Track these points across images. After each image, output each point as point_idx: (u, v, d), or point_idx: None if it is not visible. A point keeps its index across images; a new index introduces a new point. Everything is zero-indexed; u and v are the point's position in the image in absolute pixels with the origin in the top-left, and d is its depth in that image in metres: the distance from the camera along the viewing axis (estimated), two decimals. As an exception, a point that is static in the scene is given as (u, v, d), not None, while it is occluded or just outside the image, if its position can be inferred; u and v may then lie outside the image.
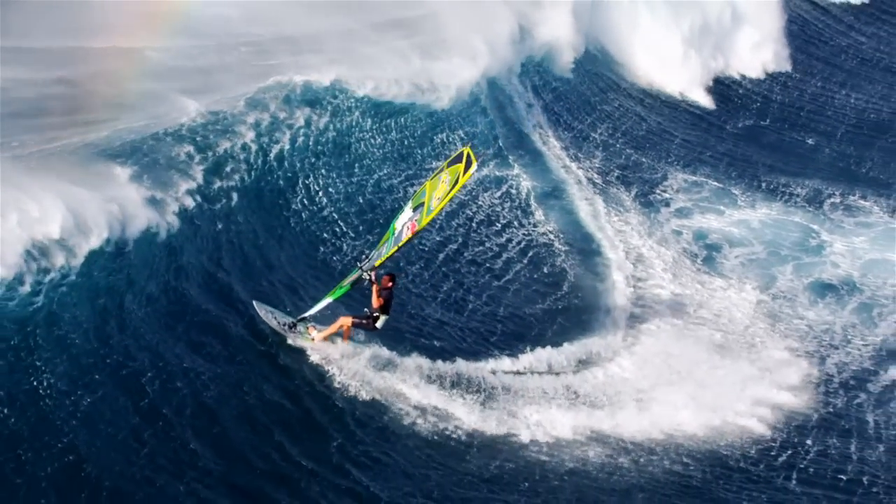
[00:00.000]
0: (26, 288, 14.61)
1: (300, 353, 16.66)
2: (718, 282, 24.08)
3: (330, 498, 14.61)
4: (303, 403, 15.97)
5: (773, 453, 17.97)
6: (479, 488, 15.68)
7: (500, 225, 23.63)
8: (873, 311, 23.73)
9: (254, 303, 16.88)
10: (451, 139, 25.25)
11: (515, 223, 23.94)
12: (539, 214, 24.60)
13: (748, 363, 20.78)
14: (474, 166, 16.32)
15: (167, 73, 21.31)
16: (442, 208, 16.60)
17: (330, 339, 16.80)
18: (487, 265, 22.14)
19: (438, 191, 16.58)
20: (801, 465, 17.78)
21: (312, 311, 16.81)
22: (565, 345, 19.99)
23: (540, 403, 17.87)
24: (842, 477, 17.65)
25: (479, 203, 23.96)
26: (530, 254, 23.11)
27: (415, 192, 18.52)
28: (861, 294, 24.45)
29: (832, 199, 29.05)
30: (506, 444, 16.64)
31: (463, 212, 23.28)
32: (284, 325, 16.67)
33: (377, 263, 16.60)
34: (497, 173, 25.27)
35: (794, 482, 17.29)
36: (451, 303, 20.55)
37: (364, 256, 17.37)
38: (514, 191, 24.97)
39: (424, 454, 16.00)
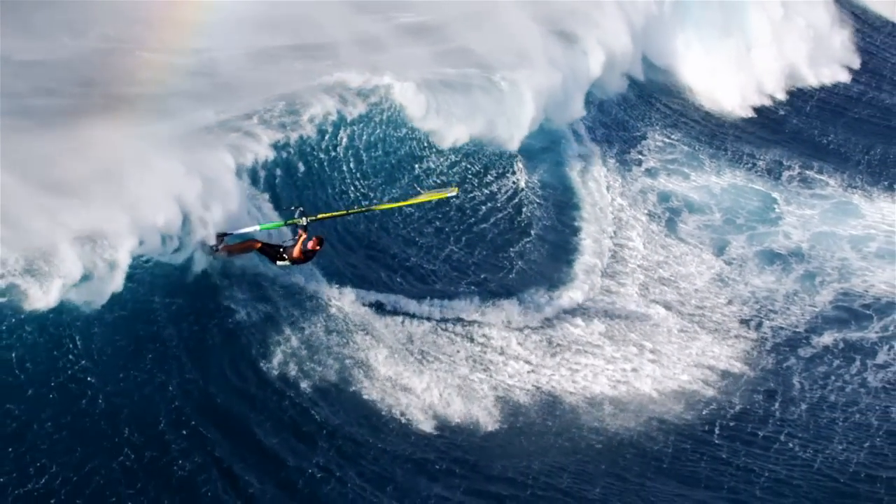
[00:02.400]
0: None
1: (292, 289, 17.54)
2: (678, 244, 25.13)
3: (290, 414, 15.85)
4: (284, 332, 16.92)
5: (699, 407, 19.05)
6: (426, 425, 16.88)
7: (492, 176, 24.36)
8: (816, 280, 24.68)
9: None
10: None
11: (508, 173, 24.70)
12: (531, 169, 25.35)
13: (694, 324, 21.87)
14: (451, 195, 17.37)
15: (190, 77, 21.12)
16: (399, 206, 17.45)
17: (233, 254, 16.79)
18: (470, 212, 22.96)
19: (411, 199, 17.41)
20: (724, 421, 18.79)
21: (236, 232, 16.53)
22: (531, 299, 21.01)
23: (498, 357, 19.04)
24: (758, 433, 18.66)
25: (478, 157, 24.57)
26: (514, 201, 23.93)
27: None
28: (808, 264, 25.39)
29: (790, 171, 29.89)
30: (459, 396, 17.69)
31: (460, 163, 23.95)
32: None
33: (319, 216, 16.64)
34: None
35: (715, 435, 18.35)
36: (429, 247, 21.42)
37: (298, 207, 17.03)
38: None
39: (382, 388, 17.15)
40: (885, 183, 30.60)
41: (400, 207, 18.27)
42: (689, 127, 31.35)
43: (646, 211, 25.97)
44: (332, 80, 21.59)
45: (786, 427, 19.05)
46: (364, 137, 21.75)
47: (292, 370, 16.53)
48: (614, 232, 24.71)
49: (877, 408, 20.16)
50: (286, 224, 16.66)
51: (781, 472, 17.79)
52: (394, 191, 21.50)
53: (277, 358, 16.51)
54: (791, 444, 18.60)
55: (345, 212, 17.36)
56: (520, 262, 22.44)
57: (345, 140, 21.26)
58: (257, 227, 16.59)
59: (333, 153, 21.04)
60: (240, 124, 19.05)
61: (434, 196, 17.09)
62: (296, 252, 16.29)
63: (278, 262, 16.59)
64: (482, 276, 21.46)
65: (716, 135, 31.28)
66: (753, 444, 18.33)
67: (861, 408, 20.14)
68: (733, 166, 29.60)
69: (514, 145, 24.82)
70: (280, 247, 16.51)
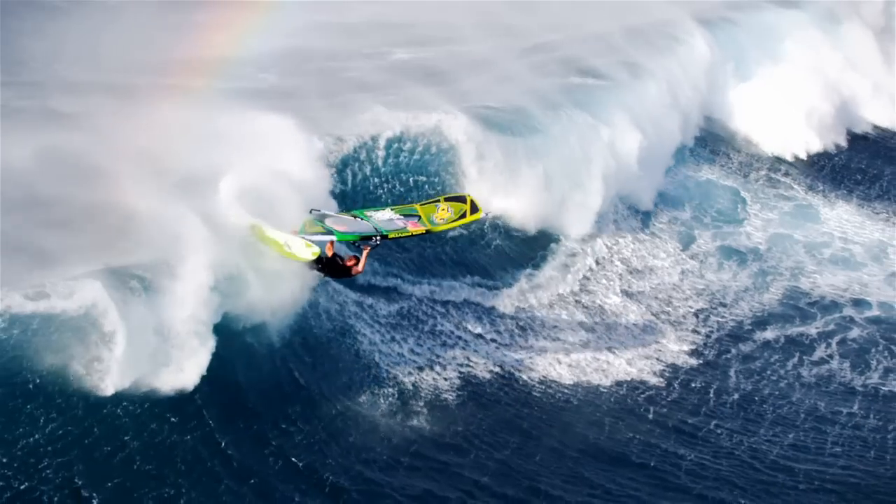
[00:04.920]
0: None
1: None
2: (651, 238, 25.96)
3: (277, 370, 17.14)
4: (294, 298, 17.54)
5: (638, 393, 19.97)
6: (391, 390, 18.22)
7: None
8: (767, 278, 25.50)
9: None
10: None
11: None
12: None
13: (652, 315, 22.79)
14: (480, 214, 17.09)
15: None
16: (446, 229, 17.17)
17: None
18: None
19: (439, 213, 16.89)
20: (658, 407, 19.68)
21: (311, 237, 15.86)
22: (508, 282, 22.22)
23: (469, 335, 20.26)
24: (689, 420, 19.53)
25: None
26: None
27: (397, 203, 18.96)
28: (763, 263, 26.19)
29: (760, 171, 30.61)
30: (427, 368, 19.00)
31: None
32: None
33: (391, 235, 16.28)
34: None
35: (648, 421, 19.24)
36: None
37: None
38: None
39: (361, 351, 18.57)
40: (845, 190, 31.32)
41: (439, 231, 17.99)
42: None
43: (627, 204, 26.67)
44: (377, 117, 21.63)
45: (716, 416, 19.86)
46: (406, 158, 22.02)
47: (292, 333, 17.59)
48: (598, 223, 25.23)
49: (806, 402, 20.85)
50: (360, 239, 16.19)
51: (706, 457, 18.59)
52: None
53: (283, 321, 17.29)
54: (719, 432, 19.40)
55: (409, 233, 16.62)
56: (502, 246, 23.28)
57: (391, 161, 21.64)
58: (334, 238, 16.05)
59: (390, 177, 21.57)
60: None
61: (468, 216, 17.03)
62: (359, 267, 16.05)
63: (312, 260, 15.87)
64: (464, 259, 22.39)
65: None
66: (682, 431, 19.17)
67: (791, 401, 20.85)
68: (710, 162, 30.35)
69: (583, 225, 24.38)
70: (327, 255, 16.11)
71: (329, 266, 15.90)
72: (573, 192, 23.76)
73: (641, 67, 28.83)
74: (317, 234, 15.88)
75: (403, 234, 16.58)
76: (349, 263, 16.03)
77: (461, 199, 17.34)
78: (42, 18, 23.43)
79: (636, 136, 25.68)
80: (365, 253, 15.92)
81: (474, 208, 17.08)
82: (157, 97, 19.67)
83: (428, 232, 16.79)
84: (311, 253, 15.41)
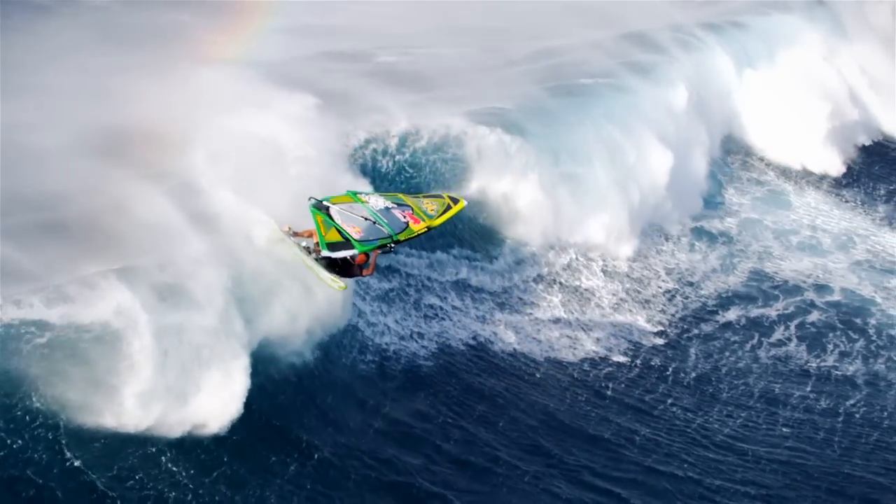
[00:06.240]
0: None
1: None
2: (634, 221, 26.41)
3: (274, 342, 17.09)
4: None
5: (600, 369, 20.72)
6: (372, 357, 18.92)
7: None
8: (734, 261, 26.14)
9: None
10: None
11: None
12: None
13: (624, 293, 23.44)
14: (463, 203, 17.56)
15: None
16: (442, 223, 17.31)
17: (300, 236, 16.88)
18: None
19: (426, 206, 17.09)
20: (617, 384, 20.42)
21: (335, 254, 15.92)
22: (493, 257, 22.80)
23: (450, 308, 20.92)
24: (645, 397, 20.26)
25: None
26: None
27: (384, 190, 19.03)
28: (733, 246, 26.82)
29: (737, 154, 31.12)
30: (410, 337, 19.70)
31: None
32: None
33: (402, 238, 16.46)
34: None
35: (607, 398, 20.02)
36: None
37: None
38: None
39: (349, 323, 18.94)
40: (816, 177, 31.79)
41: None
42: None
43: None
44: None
45: (672, 394, 20.61)
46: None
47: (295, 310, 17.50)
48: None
49: (761, 383, 21.53)
50: (379, 245, 16.32)
51: (660, 433, 19.35)
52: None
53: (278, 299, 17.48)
54: (674, 410, 20.14)
55: (415, 234, 16.72)
56: (493, 224, 23.60)
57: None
58: (355, 252, 16.04)
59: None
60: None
61: (454, 208, 17.10)
62: (371, 269, 16.48)
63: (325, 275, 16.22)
64: (454, 233, 22.77)
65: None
66: (639, 408, 19.92)
67: (747, 382, 21.53)
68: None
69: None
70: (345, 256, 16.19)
71: (341, 267, 16.17)
72: (592, 210, 24.28)
73: (654, 71, 29.17)
74: (340, 246, 15.88)
75: (411, 237, 16.79)
76: (359, 262, 16.24)
77: (438, 196, 17.77)
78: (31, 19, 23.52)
79: (667, 156, 26.15)
80: (374, 255, 16.25)
81: (455, 200, 17.63)
82: (140, 91, 19.85)
83: (429, 229, 16.93)
84: (339, 287, 15.99)
